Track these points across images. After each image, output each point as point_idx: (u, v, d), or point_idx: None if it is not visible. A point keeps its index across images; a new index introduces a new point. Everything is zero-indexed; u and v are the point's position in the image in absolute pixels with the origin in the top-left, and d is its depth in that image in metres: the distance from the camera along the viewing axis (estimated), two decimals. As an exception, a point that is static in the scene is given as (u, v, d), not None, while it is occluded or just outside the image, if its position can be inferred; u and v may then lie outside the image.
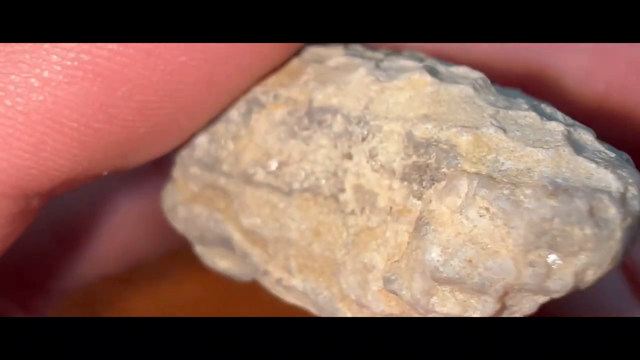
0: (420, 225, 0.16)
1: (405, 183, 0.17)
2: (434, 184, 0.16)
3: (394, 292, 0.17)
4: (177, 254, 0.36)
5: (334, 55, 0.19)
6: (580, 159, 0.16)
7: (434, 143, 0.16)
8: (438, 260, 0.15)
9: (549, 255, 0.15)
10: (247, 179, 0.20)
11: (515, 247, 0.15)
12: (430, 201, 0.16)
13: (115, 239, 0.27)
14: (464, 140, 0.16)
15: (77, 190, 0.21)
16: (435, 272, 0.15)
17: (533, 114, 0.17)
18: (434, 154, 0.16)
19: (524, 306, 0.16)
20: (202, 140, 0.21)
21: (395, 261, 0.17)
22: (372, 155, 0.17)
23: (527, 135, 0.16)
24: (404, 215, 0.16)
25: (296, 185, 0.19)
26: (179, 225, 0.22)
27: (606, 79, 0.21)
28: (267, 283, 0.20)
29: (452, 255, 0.15)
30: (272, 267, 0.19)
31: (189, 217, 0.21)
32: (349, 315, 0.18)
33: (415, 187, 0.16)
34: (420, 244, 0.16)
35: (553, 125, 0.16)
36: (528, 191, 0.15)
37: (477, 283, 0.15)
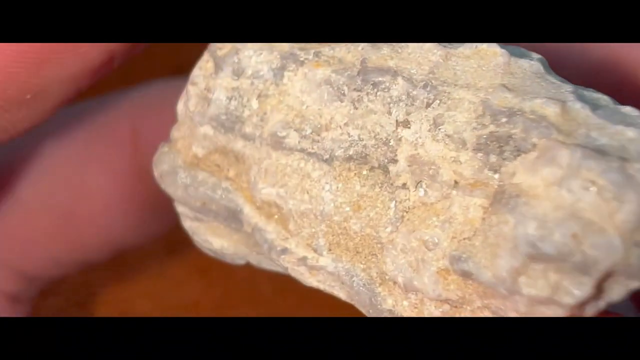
0: (505, 199, 0.14)
1: (480, 154, 0.15)
2: (519, 155, 0.15)
3: (464, 273, 0.15)
4: (177, 254, 0.36)
5: None
6: None
7: (518, 112, 0.15)
8: (534, 235, 0.14)
9: None
10: (276, 143, 0.18)
11: (625, 224, 0.14)
12: (515, 173, 0.15)
13: (96, 224, 0.27)
14: (551, 111, 0.15)
15: (55, 174, 0.22)
16: (532, 247, 0.14)
17: (606, 97, 0.16)
18: (520, 123, 0.15)
19: (613, 292, 0.15)
20: (219, 95, 0.19)
21: (466, 238, 0.15)
22: (436, 124, 0.16)
23: (610, 115, 0.15)
24: (478, 188, 0.15)
25: (339, 153, 0.17)
26: (176, 192, 0.20)
27: None
28: (285, 262, 0.18)
29: (552, 230, 0.14)
30: (294, 245, 0.18)
31: (190, 184, 0.20)
32: (389, 301, 0.17)
33: (493, 158, 0.15)
34: (507, 218, 0.14)
35: (628, 109, 0.15)
36: (638, 166, 0.14)
37: (579, 262, 0.14)
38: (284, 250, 0.18)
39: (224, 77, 0.19)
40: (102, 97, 0.27)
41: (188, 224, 0.21)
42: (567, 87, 0.16)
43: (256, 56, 0.19)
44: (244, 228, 0.19)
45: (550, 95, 0.15)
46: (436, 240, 0.16)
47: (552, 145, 0.14)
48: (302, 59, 0.18)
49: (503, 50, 0.16)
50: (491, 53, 0.16)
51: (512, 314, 0.15)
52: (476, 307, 0.16)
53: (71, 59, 0.20)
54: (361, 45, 0.18)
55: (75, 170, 0.26)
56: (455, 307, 0.16)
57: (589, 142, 0.14)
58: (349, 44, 0.18)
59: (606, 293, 0.15)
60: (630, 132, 0.14)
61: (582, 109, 0.15)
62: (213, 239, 0.20)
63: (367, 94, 0.17)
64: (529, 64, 0.16)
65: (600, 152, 0.14)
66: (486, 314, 0.15)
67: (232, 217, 0.19)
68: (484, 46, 0.16)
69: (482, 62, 0.16)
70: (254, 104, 0.19)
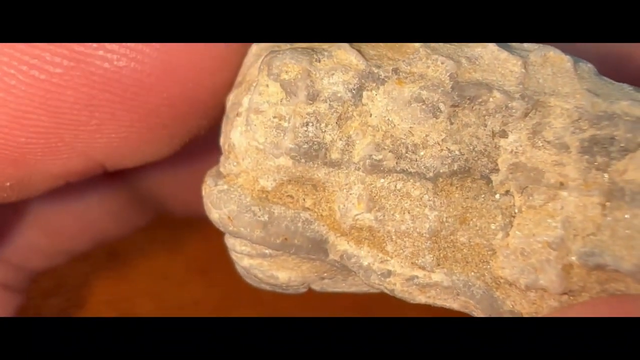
0: (627, 195, 0.16)
1: (586, 156, 0.16)
2: (627, 154, 0.16)
3: (598, 265, 0.16)
4: (177, 254, 0.36)
5: None
6: None
7: (615, 115, 0.16)
8: None
9: None
10: (372, 167, 0.18)
11: None
12: (626, 171, 0.16)
13: (78, 215, 0.28)
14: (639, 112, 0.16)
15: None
16: None
17: None
18: (622, 125, 0.16)
19: None
20: (296, 123, 0.18)
21: (590, 234, 0.16)
22: (535, 132, 0.17)
23: None
24: (590, 188, 0.16)
25: (443, 169, 0.17)
26: (254, 233, 0.19)
27: None
28: (390, 285, 0.18)
29: None
30: (398, 266, 0.18)
31: (269, 221, 0.19)
32: (508, 303, 0.17)
33: (599, 159, 0.16)
34: (638, 212, 0.16)
35: None
36: None
37: None
38: (388, 273, 0.18)
39: (298, 102, 0.18)
40: None
41: (247, 263, 0.20)
42: (627, 87, 0.17)
43: (328, 77, 0.18)
44: (329, 257, 0.19)
45: (626, 96, 0.17)
46: (560, 241, 0.17)
47: None
48: (382, 77, 0.18)
49: (568, 57, 0.17)
50: (560, 59, 0.18)
51: (635, 292, 0.16)
52: (594, 293, 0.17)
53: (50, 162, 0.21)
54: (439, 59, 0.18)
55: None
56: (574, 296, 0.17)
57: None
58: (422, 57, 0.18)
59: None
60: None
61: None
62: (279, 273, 0.20)
63: (463, 108, 0.17)
64: (587, 67, 0.18)
65: None
66: (602, 296, 0.17)
67: (316, 248, 0.19)
68: (551, 53, 0.18)
69: (554, 69, 0.17)
70: (335, 128, 0.18)
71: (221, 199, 0.19)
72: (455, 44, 0.18)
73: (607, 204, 0.16)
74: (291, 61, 0.18)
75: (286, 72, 0.18)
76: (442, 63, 0.18)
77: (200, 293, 0.35)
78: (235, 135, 0.19)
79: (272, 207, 0.19)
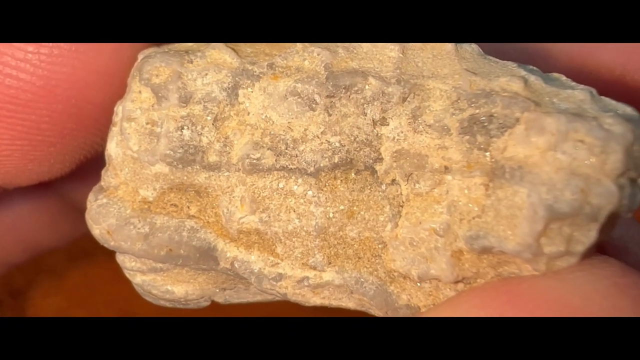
0: (508, 172, 0.15)
1: (467, 137, 0.16)
2: (505, 130, 0.16)
3: (484, 248, 0.16)
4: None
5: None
6: (603, 98, 0.16)
7: (492, 93, 0.16)
8: (548, 199, 0.15)
9: (637, 178, 0.15)
10: (251, 167, 0.17)
11: (613, 171, 0.15)
12: (506, 148, 0.16)
13: (9, 227, 0.27)
14: (518, 87, 0.16)
15: None
16: (549, 210, 0.15)
17: (534, 67, 0.17)
18: (499, 102, 0.16)
19: (586, 236, 0.16)
20: (169, 127, 0.17)
21: (475, 217, 0.16)
22: (414, 117, 0.16)
23: (552, 82, 0.16)
24: (472, 169, 0.16)
25: (324, 163, 0.17)
26: (134, 246, 0.18)
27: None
28: (282, 289, 0.18)
29: (562, 190, 0.15)
30: (288, 268, 0.18)
31: (150, 233, 0.18)
32: (403, 297, 0.17)
33: (480, 138, 0.16)
34: (517, 189, 0.15)
35: (556, 75, 0.17)
36: (609, 120, 0.15)
37: (589, 212, 0.15)
38: (279, 277, 0.18)
39: (170, 106, 0.18)
40: None
41: (139, 279, 0.19)
42: (512, 64, 0.17)
43: (201, 78, 0.18)
44: (220, 266, 0.18)
45: (507, 72, 0.16)
46: (446, 226, 0.16)
47: (536, 116, 0.15)
48: (256, 73, 0.17)
49: (455, 44, 0.17)
50: (441, 45, 0.17)
51: (528, 274, 0.16)
52: (489, 278, 0.16)
53: None
54: (315, 50, 0.17)
55: None
56: (469, 283, 0.16)
57: (557, 107, 0.16)
58: (299, 50, 0.17)
59: (581, 238, 0.16)
60: (578, 94, 0.16)
61: (537, 80, 0.16)
62: (175, 287, 0.19)
63: (340, 98, 0.17)
64: (470, 48, 0.17)
65: (576, 114, 0.15)
66: (495, 280, 0.16)
67: (204, 257, 0.18)
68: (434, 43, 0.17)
69: (435, 52, 0.17)
70: (212, 130, 0.18)
71: (100, 214, 0.18)
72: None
73: (490, 184, 0.16)
74: (161, 64, 0.18)
75: (157, 75, 0.18)
76: (318, 54, 0.17)
77: (200, 293, 0.35)
78: (112, 146, 0.18)
79: (154, 218, 0.18)
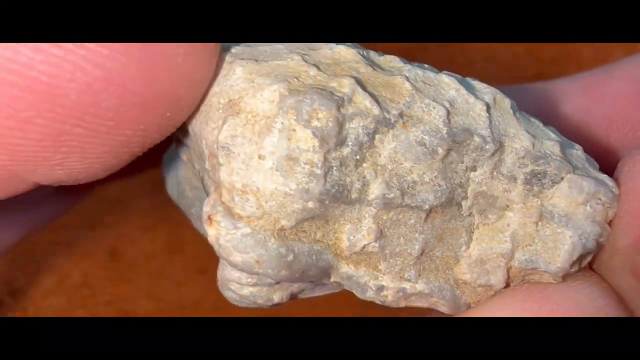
0: (556, 217, 0.21)
1: (527, 186, 0.21)
2: (554, 185, 0.21)
3: (534, 268, 0.21)
4: (177, 254, 0.36)
5: (389, 61, 0.21)
6: (589, 156, 0.22)
7: (547, 155, 0.21)
8: (582, 240, 0.21)
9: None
10: (385, 205, 0.20)
11: (609, 219, 0.21)
12: (552, 197, 0.21)
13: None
14: (558, 150, 0.21)
15: None
16: (584, 247, 0.21)
17: (553, 128, 0.22)
18: (552, 163, 0.21)
19: (588, 259, 0.22)
20: (325, 169, 0.19)
21: (528, 245, 0.21)
22: (495, 167, 0.21)
23: (566, 142, 0.22)
24: (529, 210, 0.21)
25: (436, 202, 0.20)
26: (279, 274, 0.20)
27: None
28: (383, 297, 0.21)
29: (590, 234, 0.21)
30: (389, 281, 0.21)
31: (293, 260, 0.20)
32: (464, 297, 0.21)
33: (535, 188, 0.21)
34: (563, 230, 0.21)
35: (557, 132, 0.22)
36: (611, 184, 0.21)
37: (597, 246, 0.21)
38: (382, 288, 0.21)
39: (329, 149, 0.19)
40: None
41: (248, 291, 0.21)
42: (540, 124, 0.22)
43: (349, 122, 0.19)
44: (330, 280, 0.21)
45: (545, 135, 0.21)
46: (510, 252, 0.21)
47: (577, 178, 0.21)
48: (392, 121, 0.20)
49: (507, 99, 0.21)
50: (503, 102, 0.21)
51: (546, 281, 0.21)
52: (517, 282, 0.22)
53: None
54: (430, 104, 0.20)
55: None
56: (505, 287, 0.21)
57: (582, 169, 0.21)
58: (416, 100, 0.20)
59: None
60: (580, 154, 0.22)
61: (562, 143, 0.22)
62: (275, 295, 0.21)
63: (452, 150, 0.20)
64: (514, 104, 0.21)
65: (598, 180, 0.21)
66: (522, 283, 0.21)
67: (323, 275, 0.21)
68: (498, 96, 0.21)
69: (501, 111, 0.21)
70: (353, 170, 0.20)
71: (247, 244, 0.19)
72: (433, 77, 0.21)
73: (539, 222, 0.21)
74: (321, 107, 0.19)
75: (317, 119, 0.19)
76: (434, 108, 0.20)
77: (199, 293, 0.35)
78: (259, 179, 0.19)
79: (292, 245, 0.20)
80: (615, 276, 0.21)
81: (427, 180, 0.20)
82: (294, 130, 0.19)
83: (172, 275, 0.36)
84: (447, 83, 0.21)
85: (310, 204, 0.19)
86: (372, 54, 0.21)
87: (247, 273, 0.20)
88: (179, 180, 0.25)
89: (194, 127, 0.21)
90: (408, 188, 0.20)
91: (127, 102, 0.18)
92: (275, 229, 0.20)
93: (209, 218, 0.20)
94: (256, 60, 0.20)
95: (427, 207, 0.20)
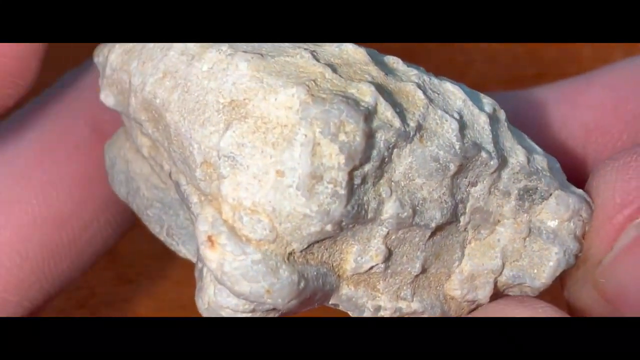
0: (545, 234, 0.20)
1: (520, 202, 0.20)
2: (543, 201, 0.20)
3: (521, 284, 0.21)
4: (177, 254, 0.36)
5: (392, 62, 0.20)
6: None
7: (539, 171, 0.20)
8: (566, 257, 0.21)
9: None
10: (399, 224, 0.18)
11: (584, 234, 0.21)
12: (540, 213, 0.20)
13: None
14: (546, 165, 0.20)
15: None
16: (567, 264, 0.21)
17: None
18: (543, 179, 0.20)
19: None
20: (349, 189, 0.17)
21: (515, 261, 0.21)
22: (494, 182, 0.20)
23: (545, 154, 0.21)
24: (519, 226, 0.20)
25: (442, 220, 0.19)
26: (289, 303, 0.18)
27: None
28: (380, 316, 0.20)
29: (572, 250, 0.21)
30: (387, 301, 0.20)
31: (304, 287, 0.18)
32: (451, 312, 0.21)
33: (526, 204, 0.20)
34: (549, 246, 0.20)
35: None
36: (589, 200, 0.21)
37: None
38: (379, 308, 0.20)
39: (354, 166, 0.17)
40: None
41: (240, 315, 0.19)
42: (525, 136, 0.21)
43: (377, 136, 0.18)
44: (329, 302, 0.19)
45: (534, 150, 0.21)
46: (500, 268, 0.20)
47: (564, 195, 0.20)
48: (410, 135, 0.18)
49: (502, 110, 0.21)
50: (500, 113, 0.20)
51: (524, 294, 0.21)
52: (501, 295, 0.21)
53: None
54: (444, 116, 0.19)
55: None
56: (490, 300, 0.21)
57: (563, 185, 0.21)
58: (430, 112, 0.19)
59: None
60: (558, 167, 0.21)
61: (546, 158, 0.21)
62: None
63: (462, 165, 0.19)
64: (504, 115, 0.20)
65: (582, 197, 0.21)
66: (503, 296, 0.21)
67: (325, 299, 0.19)
68: (496, 107, 0.20)
69: (499, 123, 0.20)
70: (371, 187, 0.18)
71: (259, 272, 0.17)
72: (437, 84, 0.20)
73: (527, 238, 0.20)
74: (349, 120, 0.17)
75: (345, 132, 0.17)
76: (447, 121, 0.19)
77: (200, 293, 0.35)
78: (276, 198, 0.17)
79: (302, 270, 0.18)
80: (580, 288, 0.21)
81: (436, 198, 0.19)
82: (319, 144, 0.17)
83: (172, 275, 0.36)
84: (453, 92, 0.19)
85: (329, 227, 0.17)
86: (377, 54, 0.20)
87: (251, 302, 0.18)
88: (129, 175, 0.22)
89: (179, 124, 0.18)
90: (418, 205, 0.19)
91: None
92: (286, 253, 0.18)
93: (210, 239, 0.17)
94: (261, 55, 0.18)
95: (433, 225, 0.19)
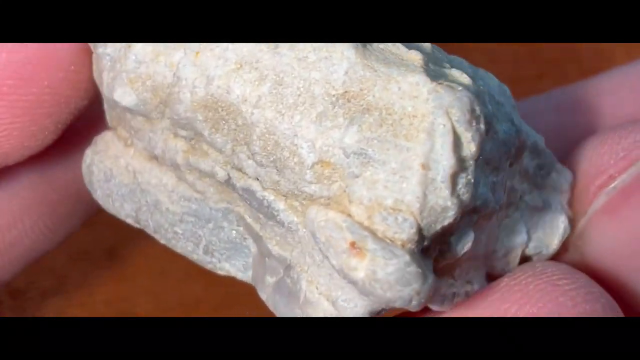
0: (551, 204, 0.21)
1: (535, 178, 0.21)
2: (548, 175, 0.21)
3: (538, 253, 0.21)
4: (177, 254, 0.36)
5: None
6: None
7: (544, 149, 0.20)
8: (569, 220, 0.21)
9: None
10: (493, 208, 0.19)
11: None
12: (547, 186, 0.21)
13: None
14: (544, 142, 0.21)
15: None
16: (569, 226, 0.21)
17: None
18: (548, 157, 0.21)
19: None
20: (477, 174, 0.17)
21: (534, 233, 0.21)
22: (521, 161, 0.20)
23: None
24: (535, 201, 0.21)
25: (502, 201, 0.19)
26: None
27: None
28: (454, 302, 0.19)
29: (569, 218, 0.21)
30: (459, 287, 0.19)
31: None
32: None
33: (539, 180, 0.21)
34: (556, 215, 0.21)
35: None
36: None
37: None
38: (454, 295, 0.19)
39: (479, 152, 0.17)
40: None
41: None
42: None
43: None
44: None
45: (534, 129, 0.21)
46: (524, 242, 0.21)
47: (561, 167, 0.21)
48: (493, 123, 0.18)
49: None
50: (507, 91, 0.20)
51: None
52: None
53: None
54: (495, 98, 0.19)
55: None
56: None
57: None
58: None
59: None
60: None
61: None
62: None
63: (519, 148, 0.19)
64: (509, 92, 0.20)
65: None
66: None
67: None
68: (504, 86, 0.20)
69: (513, 104, 0.20)
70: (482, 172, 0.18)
71: (411, 274, 0.16)
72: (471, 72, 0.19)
73: (542, 211, 0.21)
74: (475, 107, 0.17)
75: (475, 119, 0.17)
76: (503, 105, 0.19)
77: (200, 292, 0.35)
78: (422, 193, 0.16)
79: (429, 265, 0.17)
80: (572, 255, 0.22)
81: (500, 180, 0.18)
82: (456, 133, 0.16)
83: (172, 274, 0.36)
84: (488, 75, 0.19)
85: (459, 218, 0.17)
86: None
87: (385, 307, 0.17)
88: (141, 188, 0.20)
89: (275, 122, 0.17)
90: (497, 190, 0.19)
91: (23, 58, 0.18)
92: (418, 250, 0.16)
93: (353, 246, 0.16)
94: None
95: (498, 207, 0.18)
